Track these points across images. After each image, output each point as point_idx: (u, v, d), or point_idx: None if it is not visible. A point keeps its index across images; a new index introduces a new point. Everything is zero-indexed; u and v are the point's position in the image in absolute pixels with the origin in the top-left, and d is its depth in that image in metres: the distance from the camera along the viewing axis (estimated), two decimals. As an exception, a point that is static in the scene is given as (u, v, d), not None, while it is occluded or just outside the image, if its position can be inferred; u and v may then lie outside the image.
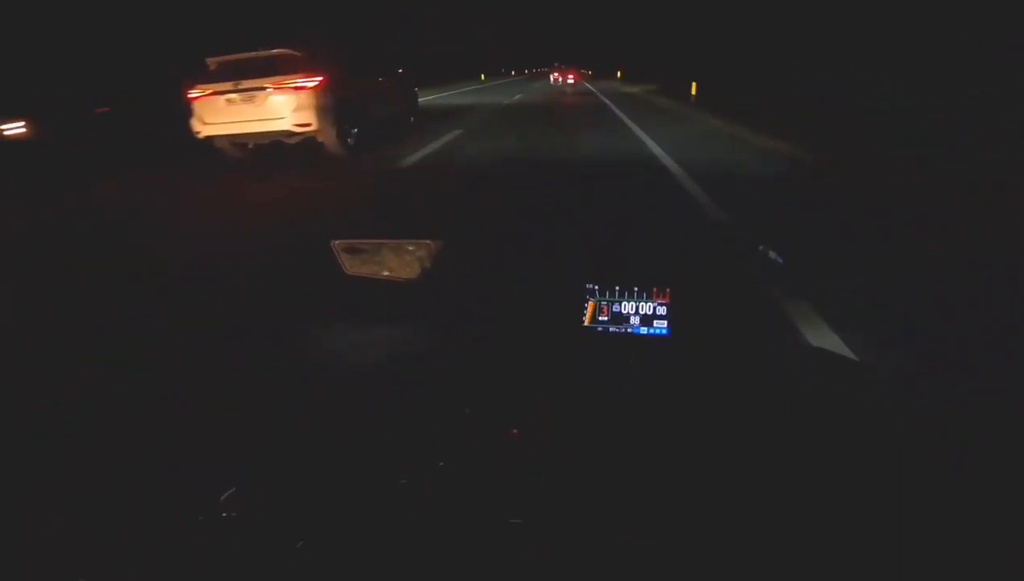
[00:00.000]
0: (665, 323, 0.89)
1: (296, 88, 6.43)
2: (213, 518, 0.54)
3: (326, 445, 0.66)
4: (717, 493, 0.57)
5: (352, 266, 1.03)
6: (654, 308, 0.89)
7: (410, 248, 0.99)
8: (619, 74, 34.22)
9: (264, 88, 6.46)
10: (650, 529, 0.53)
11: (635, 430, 0.67)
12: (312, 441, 0.67)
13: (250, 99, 6.48)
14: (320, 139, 6.77)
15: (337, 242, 1.02)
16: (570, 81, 30.18)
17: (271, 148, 7.06)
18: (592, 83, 31.39)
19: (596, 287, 0.89)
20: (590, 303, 0.89)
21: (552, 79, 34.60)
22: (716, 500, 0.56)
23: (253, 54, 6.69)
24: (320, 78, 6.52)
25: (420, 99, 10.94)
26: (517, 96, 19.79)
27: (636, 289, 0.89)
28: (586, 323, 0.90)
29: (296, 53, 6.62)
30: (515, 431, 0.68)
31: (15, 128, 8.10)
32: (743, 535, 0.52)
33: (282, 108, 6.46)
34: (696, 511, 0.55)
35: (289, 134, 6.64)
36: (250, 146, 7.09)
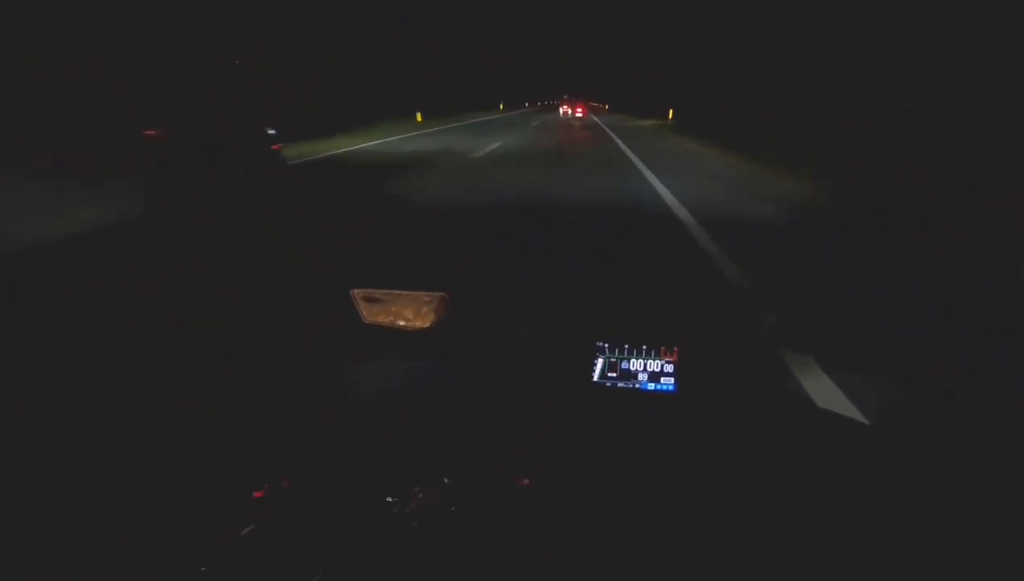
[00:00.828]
0: (672, 380, 0.91)
1: None
2: (223, 526, 0.57)
3: (331, 465, 0.69)
4: (717, 546, 0.59)
5: (369, 314, 1.06)
6: (662, 366, 0.91)
7: (425, 299, 1.02)
8: (670, 114, 24.02)
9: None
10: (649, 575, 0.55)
11: (640, 482, 0.69)
12: (318, 459, 0.70)
13: None
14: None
15: (356, 291, 1.05)
16: (578, 114, 29.18)
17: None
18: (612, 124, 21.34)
19: (606, 345, 0.92)
20: (599, 360, 0.92)
21: (562, 112, 34.09)
22: (716, 553, 0.58)
23: None
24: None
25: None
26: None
27: (645, 347, 0.91)
28: (595, 379, 0.92)
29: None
30: (525, 481, 0.70)
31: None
32: None
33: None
34: (697, 564, 0.57)
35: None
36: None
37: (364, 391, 0.91)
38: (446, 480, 0.69)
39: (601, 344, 0.92)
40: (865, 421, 0.89)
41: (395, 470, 0.69)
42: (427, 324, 1.03)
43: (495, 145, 11.77)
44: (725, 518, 0.63)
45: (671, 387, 0.91)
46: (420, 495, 0.66)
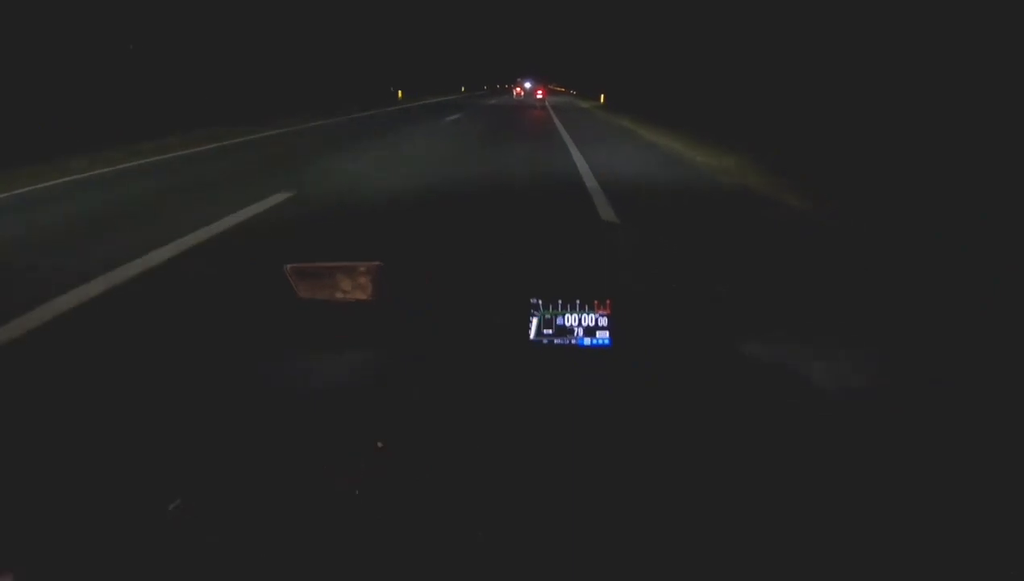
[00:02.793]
0: (607, 334, 0.94)
1: None
2: (162, 524, 0.56)
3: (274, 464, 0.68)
4: (660, 496, 0.61)
5: (305, 290, 1.05)
6: (596, 319, 0.93)
7: (361, 269, 1.02)
8: (601, 98, 26.16)
9: None
10: (598, 532, 0.56)
11: (583, 436, 0.71)
12: (261, 460, 0.69)
13: None
14: None
15: (290, 266, 1.04)
16: (538, 96, 30.23)
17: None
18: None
19: (539, 301, 0.93)
20: (535, 316, 0.93)
21: (515, 93, 34.42)
22: (654, 512, 0.60)
23: None
24: None
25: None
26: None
27: (578, 301, 0.93)
28: (532, 337, 0.94)
29: None
30: (467, 443, 0.71)
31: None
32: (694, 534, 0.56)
33: None
34: (640, 514, 0.59)
35: None
36: None
37: (310, 379, 0.90)
38: (379, 444, 0.69)
39: (535, 300, 0.93)
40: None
41: (336, 440, 0.69)
42: (366, 296, 1.02)
43: (443, 121, 15.05)
44: (665, 477, 0.65)
45: (606, 341, 0.94)
46: (361, 464, 0.66)
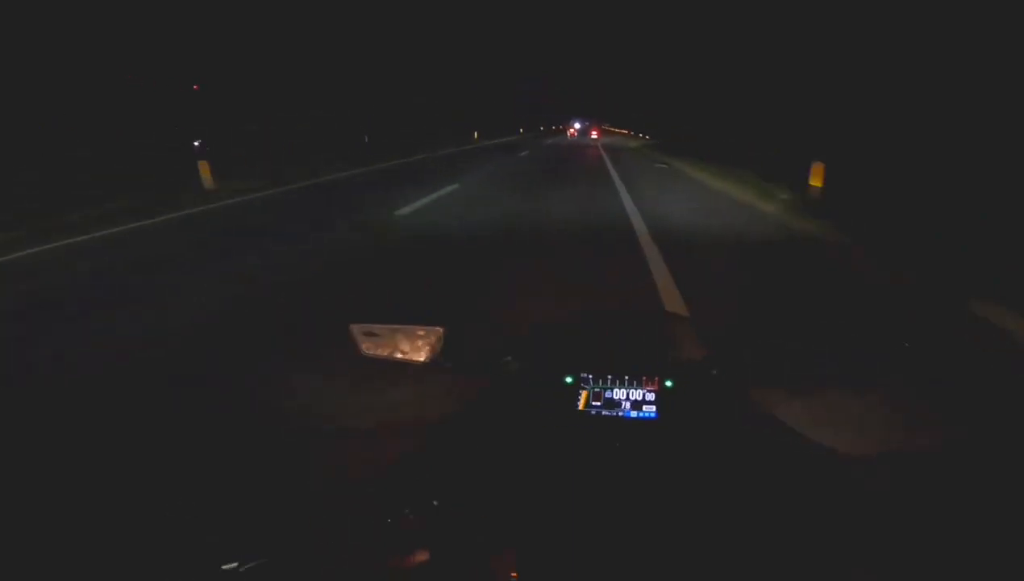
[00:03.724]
0: (654, 408, 0.97)
1: None
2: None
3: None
4: (698, 568, 0.64)
5: (367, 348, 1.12)
6: (644, 394, 0.97)
7: (420, 333, 1.08)
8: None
9: None
10: None
11: (628, 504, 0.75)
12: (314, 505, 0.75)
13: None
14: None
15: (355, 326, 1.11)
16: (593, 136, 32.37)
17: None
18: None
19: (590, 376, 0.97)
20: (583, 390, 0.98)
21: (569, 134, 36.45)
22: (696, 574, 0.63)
23: None
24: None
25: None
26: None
27: (627, 377, 0.97)
28: (580, 408, 0.98)
29: None
30: (513, 506, 0.75)
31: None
32: None
33: None
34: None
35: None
36: None
37: (360, 419, 0.97)
38: (435, 503, 0.74)
39: (586, 375, 0.97)
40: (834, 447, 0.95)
41: (387, 495, 0.74)
42: (423, 358, 1.09)
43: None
44: (707, 544, 0.68)
45: (653, 415, 0.97)
46: (411, 518, 0.71)
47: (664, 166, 16.89)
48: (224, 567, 0.64)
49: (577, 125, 39.79)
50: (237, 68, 17.69)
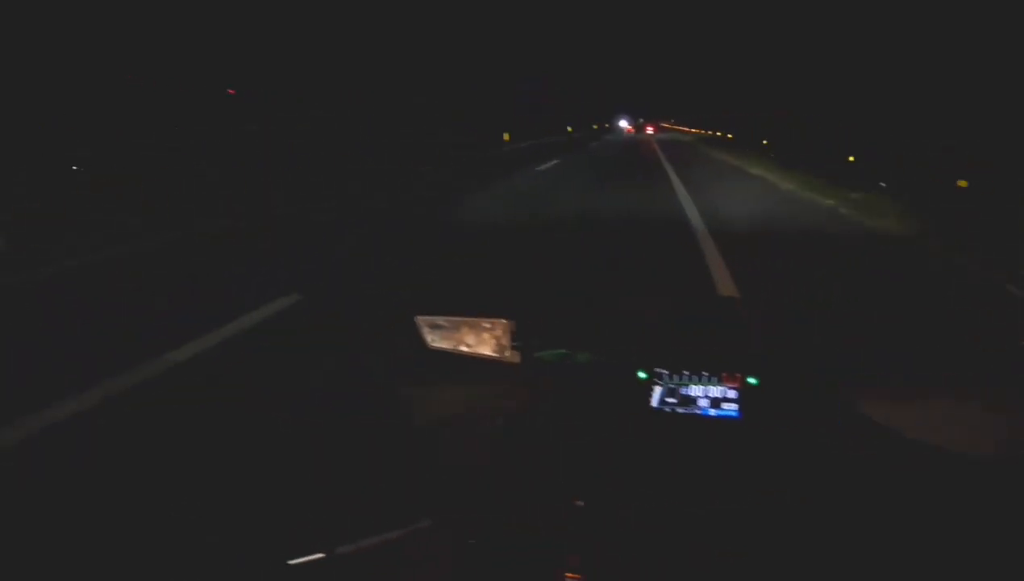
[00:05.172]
0: (735, 406, 0.90)
1: None
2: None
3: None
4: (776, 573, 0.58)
5: (433, 340, 1.11)
6: (724, 392, 0.90)
7: (486, 326, 1.06)
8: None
9: None
10: None
11: (709, 509, 0.69)
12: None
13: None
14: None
15: (420, 318, 1.11)
16: (648, 132, 33.60)
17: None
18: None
19: (665, 372, 0.91)
20: (658, 386, 0.92)
21: (625, 130, 37.46)
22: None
23: None
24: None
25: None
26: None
27: (705, 374, 0.90)
28: (654, 405, 0.92)
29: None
30: (581, 502, 0.72)
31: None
32: None
33: None
34: None
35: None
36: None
37: (428, 414, 0.96)
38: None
39: (660, 371, 0.91)
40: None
41: (457, 488, 0.72)
42: (489, 351, 1.06)
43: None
44: (804, 555, 0.61)
45: (735, 413, 0.90)
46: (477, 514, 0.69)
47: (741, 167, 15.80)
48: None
49: (623, 123, 40.03)
50: (237, 68, 18.02)
